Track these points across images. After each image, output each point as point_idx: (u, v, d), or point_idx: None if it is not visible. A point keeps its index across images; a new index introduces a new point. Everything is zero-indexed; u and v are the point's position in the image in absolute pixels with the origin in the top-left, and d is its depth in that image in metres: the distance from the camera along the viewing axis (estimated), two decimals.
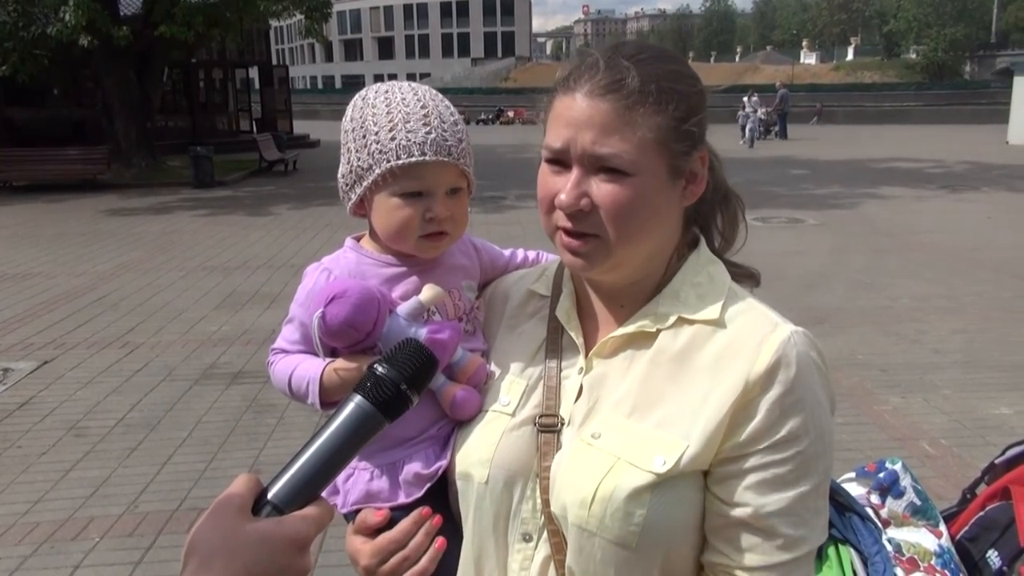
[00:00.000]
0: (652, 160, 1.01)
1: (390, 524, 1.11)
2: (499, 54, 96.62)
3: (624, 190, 1.00)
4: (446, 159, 1.11)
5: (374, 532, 1.12)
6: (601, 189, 1.00)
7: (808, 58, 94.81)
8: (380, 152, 1.11)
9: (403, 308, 1.13)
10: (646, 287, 1.10)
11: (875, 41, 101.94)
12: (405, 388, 0.86)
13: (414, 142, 1.10)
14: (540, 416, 1.09)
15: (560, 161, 1.03)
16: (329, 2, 20.99)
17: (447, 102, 1.17)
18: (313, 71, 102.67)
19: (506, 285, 1.29)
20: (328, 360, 1.13)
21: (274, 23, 28.14)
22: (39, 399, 5.38)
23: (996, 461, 1.73)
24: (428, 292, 1.14)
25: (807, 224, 12.26)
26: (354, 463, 1.14)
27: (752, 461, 0.99)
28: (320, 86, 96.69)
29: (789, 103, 31.22)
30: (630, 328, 1.07)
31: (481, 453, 1.10)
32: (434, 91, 1.17)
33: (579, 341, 1.12)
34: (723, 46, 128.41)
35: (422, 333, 1.09)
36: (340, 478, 1.16)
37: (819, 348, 1.03)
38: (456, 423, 1.16)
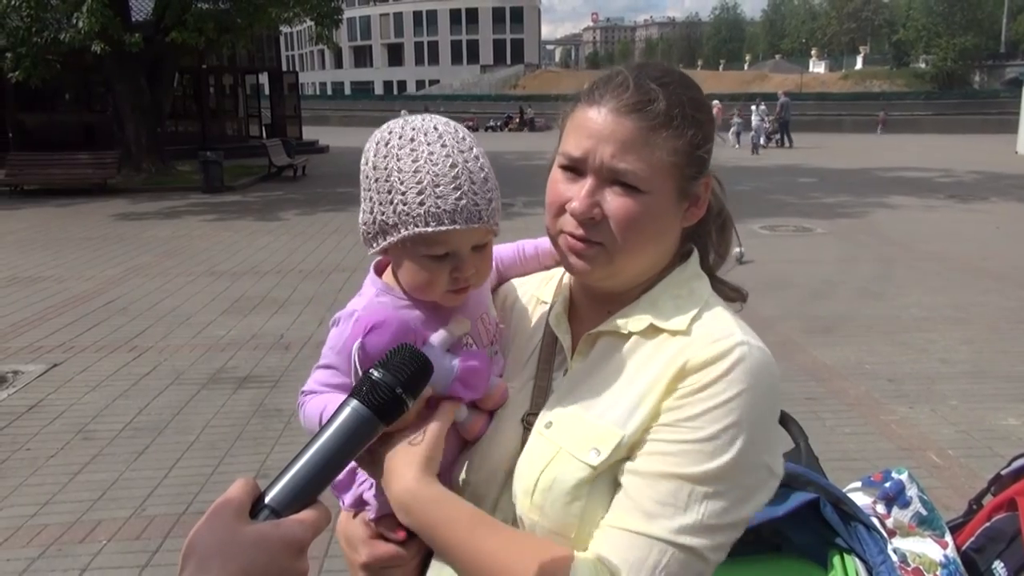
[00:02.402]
0: (664, 181, 1.04)
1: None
2: (508, 61, 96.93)
3: (635, 205, 1.03)
4: (476, 225, 1.06)
5: (378, 534, 1.15)
6: (614, 202, 1.04)
7: (817, 67, 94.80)
8: (407, 214, 1.04)
9: (435, 338, 1.12)
10: (634, 294, 1.13)
11: (884, 50, 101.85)
12: (401, 392, 0.87)
13: (444, 210, 1.03)
14: (527, 415, 1.13)
15: (575, 169, 1.06)
16: (339, 9, 21.17)
17: (476, 150, 1.08)
18: (323, 77, 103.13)
19: (513, 293, 1.32)
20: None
21: (284, 29, 28.33)
22: (48, 402, 5.41)
23: (1002, 472, 1.73)
24: (457, 327, 1.13)
25: (815, 233, 12.24)
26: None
27: (654, 434, 1.01)
28: (329, 92, 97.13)
29: (790, 111, 31.33)
30: (604, 327, 1.11)
31: (475, 453, 1.15)
32: (461, 135, 1.09)
33: (566, 343, 1.15)
34: (732, 54, 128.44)
35: (455, 364, 1.09)
36: (370, 492, 1.17)
37: (774, 374, 1.04)
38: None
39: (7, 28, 16.90)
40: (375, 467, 1.05)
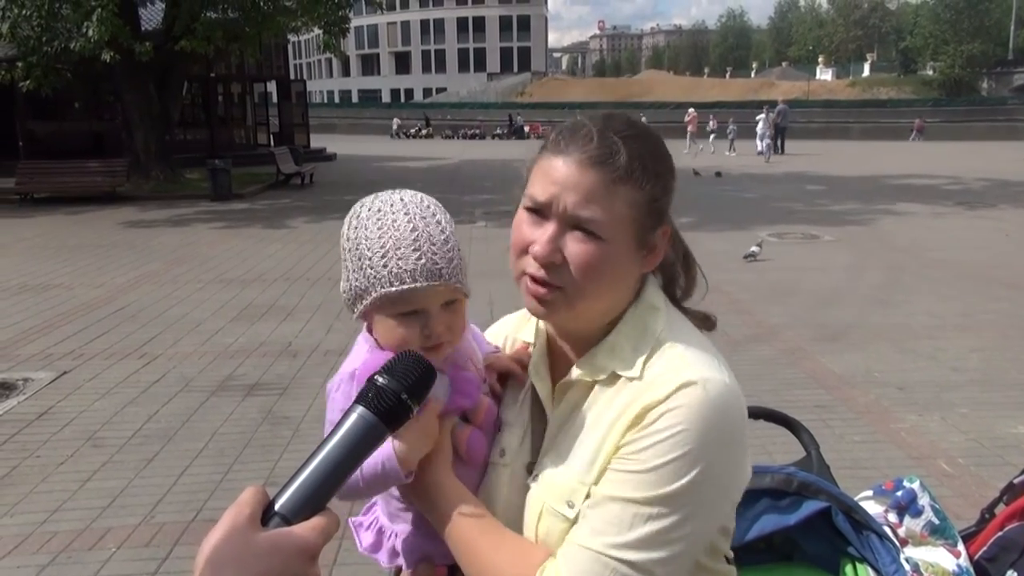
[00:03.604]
0: (623, 231, 1.09)
1: None
2: (515, 69, 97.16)
3: (595, 251, 1.08)
4: (436, 283, 1.13)
5: None
6: (575, 247, 1.08)
7: (824, 74, 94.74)
8: (375, 278, 1.14)
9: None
10: (599, 336, 1.17)
11: (891, 57, 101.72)
12: (406, 397, 0.88)
13: (405, 270, 1.12)
14: (528, 463, 1.19)
15: (540, 212, 1.11)
16: (347, 17, 21.20)
17: (439, 216, 1.17)
18: (330, 85, 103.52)
19: (501, 336, 1.38)
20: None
21: (292, 38, 28.47)
22: (58, 409, 5.43)
23: (1015, 481, 1.73)
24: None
25: (823, 240, 12.21)
26: (408, 525, 1.20)
27: (611, 466, 1.06)
28: (337, 100, 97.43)
29: (788, 118, 31.39)
30: (572, 376, 1.16)
31: (492, 504, 1.19)
32: (426, 203, 1.18)
33: (543, 393, 1.21)
34: (739, 62, 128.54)
35: (448, 378, 1.18)
36: (399, 543, 1.23)
37: (728, 403, 1.06)
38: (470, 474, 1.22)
39: (18, 38, 17.00)
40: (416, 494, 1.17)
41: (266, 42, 23.92)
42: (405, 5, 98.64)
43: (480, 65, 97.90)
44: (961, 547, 1.55)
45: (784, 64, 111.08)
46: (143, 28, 19.63)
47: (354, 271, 1.17)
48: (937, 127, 45.26)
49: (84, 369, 6.25)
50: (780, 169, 24.39)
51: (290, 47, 34.14)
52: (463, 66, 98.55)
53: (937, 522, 1.55)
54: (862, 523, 1.43)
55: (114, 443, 4.86)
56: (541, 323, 1.27)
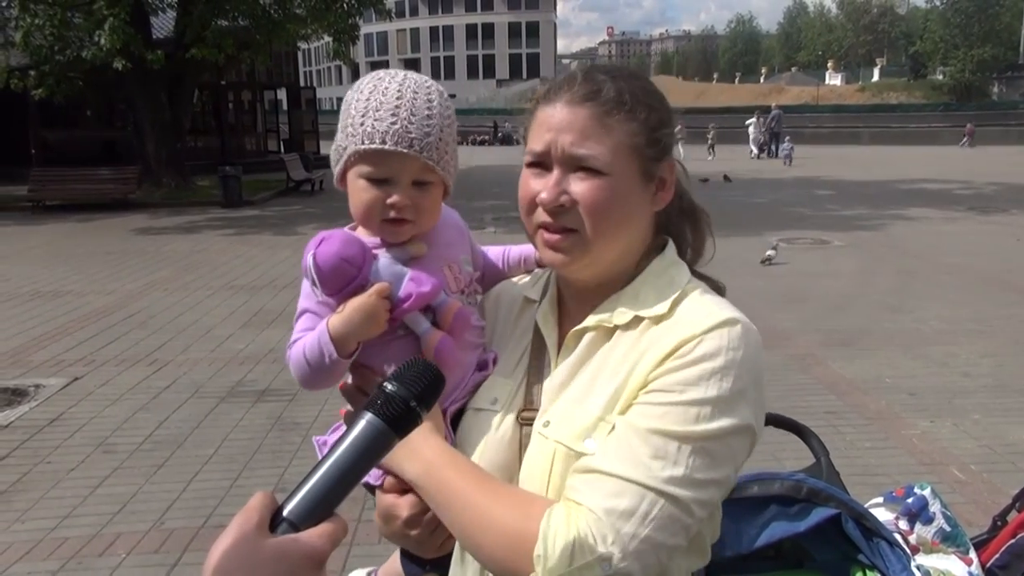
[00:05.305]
0: (625, 163, 1.09)
1: None
2: (524, 75, 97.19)
3: (600, 187, 1.08)
4: (406, 150, 1.14)
5: (404, 491, 1.17)
6: (579, 186, 1.08)
7: (834, 79, 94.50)
8: (352, 135, 1.16)
9: (385, 251, 1.21)
10: (615, 287, 1.16)
11: (901, 62, 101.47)
12: (414, 405, 0.88)
13: (377, 130, 1.14)
14: (521, 411, 1.16)
15: (541, 164, 1.12)
16: (356, 25, 21.29)
17: (432, 96, 1.17)
18: (340, 92, 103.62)
19: (503, 293, 1.36)
20: (329, 316, 1.19)
21: (302, 46, 28.57)
22: (69, 415, 5.46)
23: None
24: (412, 247, 1.22)
25: (833, 245, 12.16)
26: None
27: (645, 397, 1.03)
28: None
29: (782, 123, 31.44)
30: (589, 323, 1.14)
31: (469, 452, 1.16)
32: (427, 84, 1.19)
33: (551, 341, 1.19)
34: (748, 67, 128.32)
35: (406, 272, 1.18)
36: None
37: (760, 344, 1.07)
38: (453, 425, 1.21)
39: (31, 46, 17.14)
40: None
41: (276, 50, 24.05)
42: (414, 12, 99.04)
43: (489, 72, 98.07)
44: (973, 555, 1.54)
45: (793, 69, 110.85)
46: (154, 36, 19.74)
47: (341, 129, 1.19)
48: (947, 132, 45.07)
49: (95, 375, 6.28)
50: (790, 174, 24.32)
51: (300, 55, 34.24)
52: (472, 73, 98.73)
53: (948, 529, 1.54)
54: (872, 530, 1.42)
55: (124, 449, 4.88)
56: (552, 277, 1.26)
